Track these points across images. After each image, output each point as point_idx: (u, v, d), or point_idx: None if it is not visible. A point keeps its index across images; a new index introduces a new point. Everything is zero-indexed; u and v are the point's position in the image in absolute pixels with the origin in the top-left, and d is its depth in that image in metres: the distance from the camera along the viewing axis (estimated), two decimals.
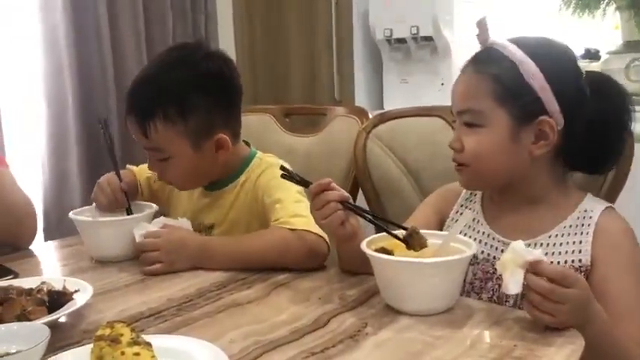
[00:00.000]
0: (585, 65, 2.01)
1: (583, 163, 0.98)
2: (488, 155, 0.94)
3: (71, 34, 2.13)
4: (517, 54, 0.92)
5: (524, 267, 0.77)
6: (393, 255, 0.87)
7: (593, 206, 0.96)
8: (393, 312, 0.85)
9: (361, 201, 1.45)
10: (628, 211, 1.05)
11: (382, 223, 0.95)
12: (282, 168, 1.02)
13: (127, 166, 1.32)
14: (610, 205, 0.97)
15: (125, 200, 1.19)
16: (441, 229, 1.06)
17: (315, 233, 1.04)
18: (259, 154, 1.25)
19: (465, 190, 1.07)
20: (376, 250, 0.87)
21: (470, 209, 1.04)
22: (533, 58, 0.92)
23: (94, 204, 1.21)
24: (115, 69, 2.25)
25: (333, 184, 0.94)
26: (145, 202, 1.22)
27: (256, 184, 1.18)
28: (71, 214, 1.13)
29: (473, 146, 0.95)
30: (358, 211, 0.95)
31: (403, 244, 0.90)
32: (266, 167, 1.20)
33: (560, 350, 0.72)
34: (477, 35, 0.97)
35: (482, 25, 0.96)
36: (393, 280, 0.85)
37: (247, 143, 1.27)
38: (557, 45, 0.97)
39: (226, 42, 2.66)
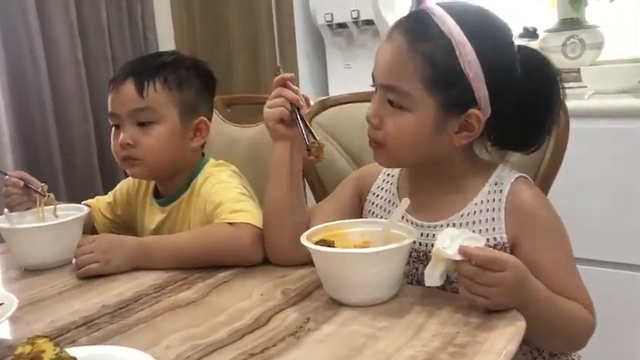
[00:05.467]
0: (524, 44, 2.03)
1: (511, 141, 0.93)
2: (407, 141, 0.88)
3: None
4: (455, 32, 0.83)
5: (446, 261, 0.76)
6: (333, 247, 0.85)
7: (502, 178, 0.91)
8: (336, 305, 0.83)
9: (306, 191, 1.43)
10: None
11: (307, 131, 0.95)
12: None
13: (82, 203, 1.25)
14: (521, 175, 0.93)
15: (30, 190, 1.16)
16: (361, 209, 1.03)
17: (255, 226, 1.01)
18: (209, 163, 1.23)
19: (383, 171, 1.03)
20: (316, 243, 0.85)
21: (388, 191, 1.00)
22: (472, 38, 0.83)
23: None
24: (48, 64, 2.15)
25: (290, 84, 0.99)
26: (74, 205, 1.16)
27: (199, 196, 1.16)
28: None
29: (392, 129, 0.88)
30: (296, 117, 0.97)
31: (344, 235, 0.89)
32: (207, 177, 1.18)
33: (502, 334, 0.72)
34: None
35: None
36: (333, 272, 0.84)
37: (203, 154, 1.26)
38: (497, 23, 0.89)
39: (164, 31, 2.58)
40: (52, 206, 1.14)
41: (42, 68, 2.12)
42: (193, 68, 1.21)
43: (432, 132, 0.87)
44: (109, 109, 1.17)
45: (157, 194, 1.25)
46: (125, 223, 1.31)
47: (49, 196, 1.15)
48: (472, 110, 0.86)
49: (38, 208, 1.14)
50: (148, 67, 1.17)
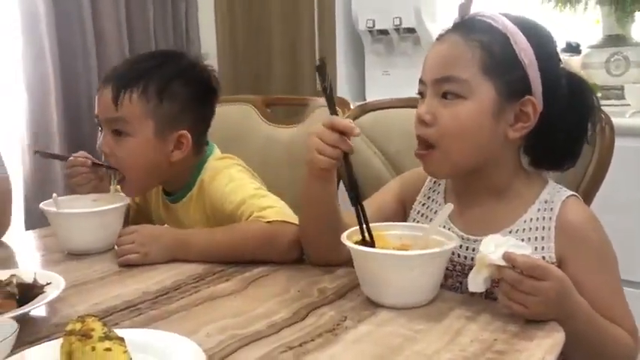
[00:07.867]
0: (566, 59, 2.01)
1: (542, 158, 0.93)
2: (465, 131, 0.86)
3: (52, 20, 2.09)
4: (508, 25, 0.87)
5: (490, 266, 0.76)
6: (373, 247, 0.86)
7: (553, 196, 0.91)
8: (372, 305, 0.84)
9: (341, 191, 1.43)
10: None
11: (359, 209, 0.88)
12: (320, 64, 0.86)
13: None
14: (572, 193, 0.93)
15: (101, 171, 1.17)
16: (404, 215, 1.03)
17: (292, 223, 1.02)
18: (213, 155, 1.20)
19: (429, 179, 1.02)
20: (356, 243, 0.86)
21: (435, 201, 1.00)
22: (523, 32, 0.87)
23: (68, 195, 1.19)
24: (98, 58, 2.22)
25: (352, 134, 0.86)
26: (118, 194, 1.18)
27: (208, 195, 1.15)
28: (42, 205, 1.10)
29: (449, 120, 0.87)
30: (350, 174, 0.88)
31: (383, 237, 0.89)
32: (215, 174, 1.16)
33: (540, 344, 0.72)
34: (460, 10, 0.95)
35: (464, 7, 0.94)
36: (373, 273, 0.84)
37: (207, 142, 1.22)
38: (544, 30, 0.92)
39: (207, 32, 2.62)
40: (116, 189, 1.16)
41: (92, 65, 2.19)
42: (182, 76, 1.14)
43: (490, 119, 0.87)
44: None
45: (166, 191, 1.24)
46: (144, 212, 1.31)
47: (116, 171, 1.14)
48: (528, 97, 0.87)
49: (112, 181, 1.15)
50: (129, 74, 1.12)
